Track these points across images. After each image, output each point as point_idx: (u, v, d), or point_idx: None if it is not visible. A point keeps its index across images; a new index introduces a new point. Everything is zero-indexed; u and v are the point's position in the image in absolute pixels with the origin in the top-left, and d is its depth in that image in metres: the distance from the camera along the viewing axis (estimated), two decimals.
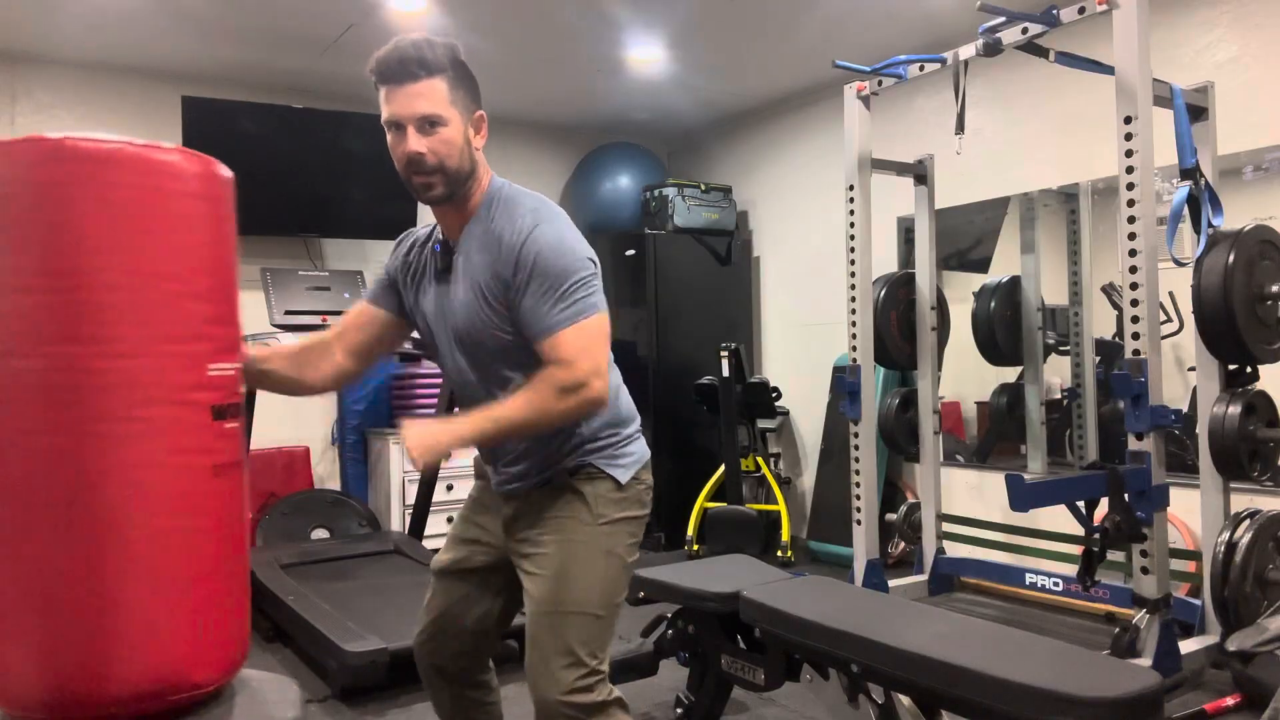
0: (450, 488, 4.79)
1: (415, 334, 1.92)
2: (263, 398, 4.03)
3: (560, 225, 1.70)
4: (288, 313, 4.16)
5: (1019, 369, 4.44)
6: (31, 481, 1.45)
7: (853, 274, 3.96)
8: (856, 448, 3.95)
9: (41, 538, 1.45)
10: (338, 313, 4.24)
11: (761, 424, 5.31)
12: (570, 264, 1.66)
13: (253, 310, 4.33)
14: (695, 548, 5.03)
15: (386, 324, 1.89)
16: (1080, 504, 2.94)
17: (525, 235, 1.66)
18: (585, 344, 1.64)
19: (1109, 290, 4.08)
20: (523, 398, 1.63)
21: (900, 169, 4.23)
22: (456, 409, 1.84)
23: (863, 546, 3.91)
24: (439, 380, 4.88)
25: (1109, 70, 3.05)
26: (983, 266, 4.61)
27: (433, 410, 5.00)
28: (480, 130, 1.75)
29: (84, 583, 1.45)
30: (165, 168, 1.53)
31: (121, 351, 1.46)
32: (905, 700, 2.04)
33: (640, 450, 1.84)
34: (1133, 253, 2.94)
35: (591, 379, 1.62)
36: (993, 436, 4.59)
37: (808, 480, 5.42)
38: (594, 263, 1.72)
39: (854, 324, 3.97)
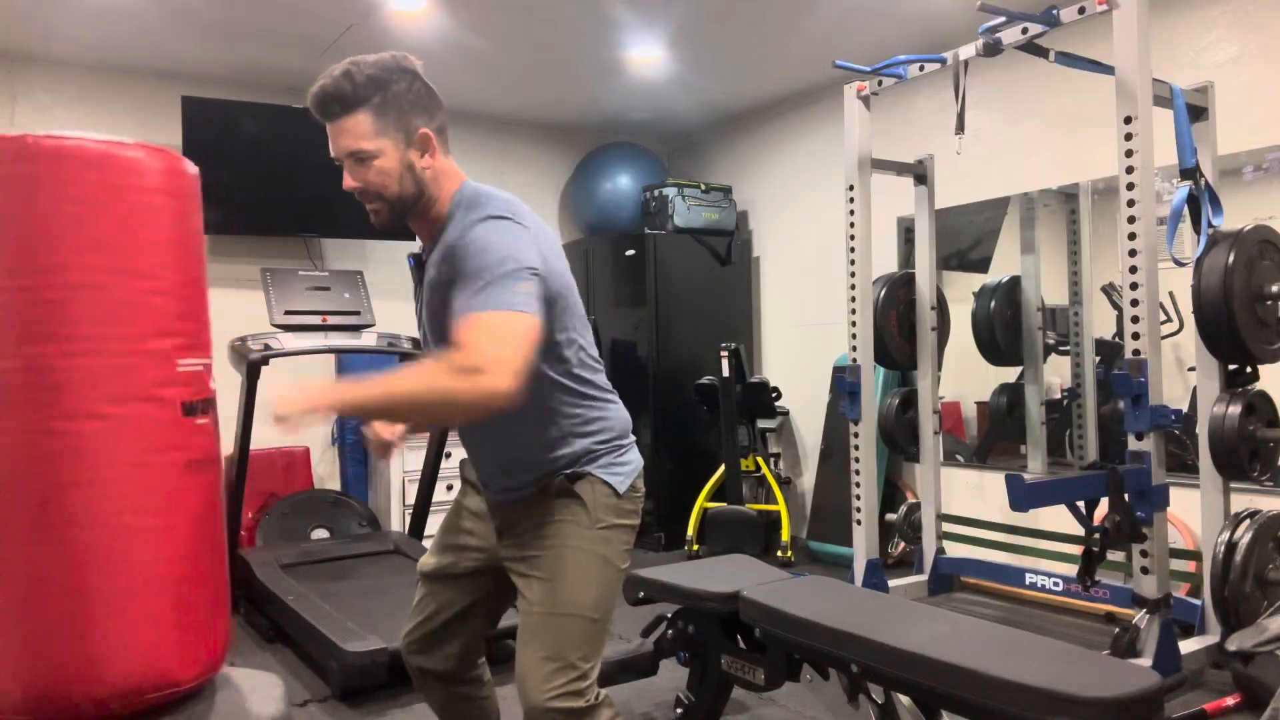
0: (450, 488, 4.79)
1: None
2: (261, 397, 4.04)
3: (508, 224, 1.62)
4: (288, 313, 4.15)
5: (1019, 369, 4.44)
6: (4, 483, 1.45)
7: (853, 274, 3.96)
8: (856, 448, 3.95)
9: (16, 538, 1.44)
10: (337, 312, 4.25)
11: (761, 424, 5.31)
12: (502, 257, 1.56)
13: (253, 310, 4.36)
14: (695, 548, 5.03)
15: None
16: (1080, 504, 2.94)
17: (469, 231, 1.61)
18: (491, 332, 1.51)
19: (1109, 290, 4.08)
20: (415, 374, 1.54)
21: (900, 169, 4.23)
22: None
23: (863, 546, 3.91)
24: None
25: (1109, 70, 3.05)
26: (983, 266, 4.61)
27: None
28: (428, 148, 1.67)
29: (59, 583, 1.44)
30: (128, 164, 1.52)
31: (89, 349, 1.46)
32: (905, 700, 2.04)
33: (636, 460, 1.85)
34: (1133, 253, 2.94)
35: (490, 366, 1.47)
36: (993, 436, 4.59)
37: (808, 480, 5.42)
38: (533, 270, 1.59)
39: (854, 324, 3.97)
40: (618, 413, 1.85)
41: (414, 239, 1.84)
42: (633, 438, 1.88)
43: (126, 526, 1.49)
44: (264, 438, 4.60)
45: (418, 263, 1.79)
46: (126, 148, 1.53)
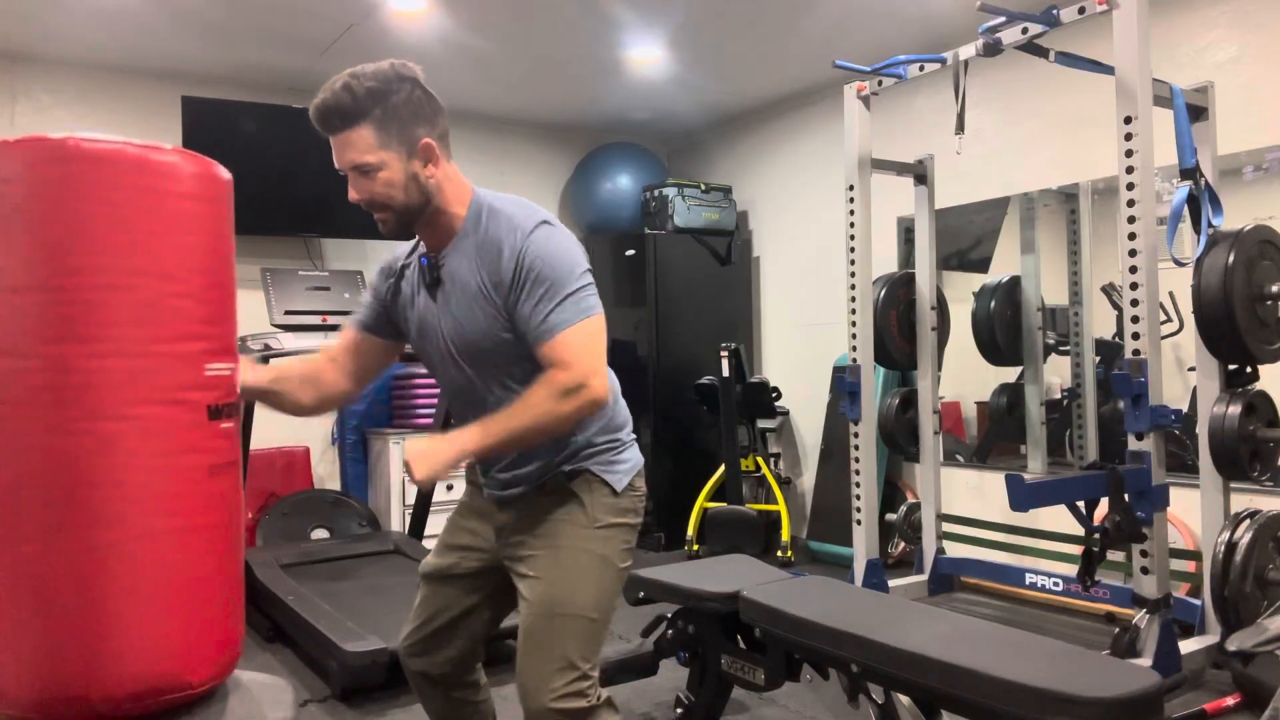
0: (450, 488, 4.79)
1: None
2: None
3: (559, 231, 1.70)
4: (288, 313, 4.16)
5: (1019, 369, 4.44)
6: (26, 481, 1.45)
7: (853, 274, 3.96)
8: (856, 448, 3.95)
9: (36, 538, 1.44)
10: (337, 312, 4.25)
11: (761, 424, 5.31)
12: (570, 268, 1.66)
13: (253, 310, 4.35)
14: (695, 548, 5.03)
15: (379, 348, 1.91)
16: (1080, 504, 2.94)
17: (526, 239, 1.65)
18: (584, 344, 1.63)
19: (1109, 290, 4.09)
20: (524, 404, 1.62)
21: (900, 169, 4.23)
22: (453, 421, 1.84)
23: (863, 546, 3.91)
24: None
25: (1109, 70, 3.05)
26: (983, 266, 4.61)
27: (430, 418, 5.00)
28: (431, 158, 1.69)
29: (78, 583, 1.44)
30: (164, 169, 1.53)
31: (116, 351, 1.46)
32: (905, 700, 2.04)
33: (635, 457, 1.85)
34: (1133, 253, 2.94)
35: (591, 379, 1.61)
36: (993, 436, 4.59)
37: (808, 480, 5.42)
38: (589, 270, 1.72)
39: (854, 324, 3.97)
40: (617, 409, 1.85)
41: (410, 239, 1.83)
42: (633, 435, 1.87)
43: (148, 528, 1.49)
44: (264, 438, 4.61)
45: (431, 265, 1.78)
46: (163, 152, 1.54)
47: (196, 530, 1.54)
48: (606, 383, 1.65)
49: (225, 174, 1.66)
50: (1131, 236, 2.94)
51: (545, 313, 1.63)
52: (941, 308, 4.37)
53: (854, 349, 3.97)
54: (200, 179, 1.58)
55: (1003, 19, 3.20)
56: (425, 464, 1.59)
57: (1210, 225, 3.10)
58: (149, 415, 1.48)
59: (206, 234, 1.59)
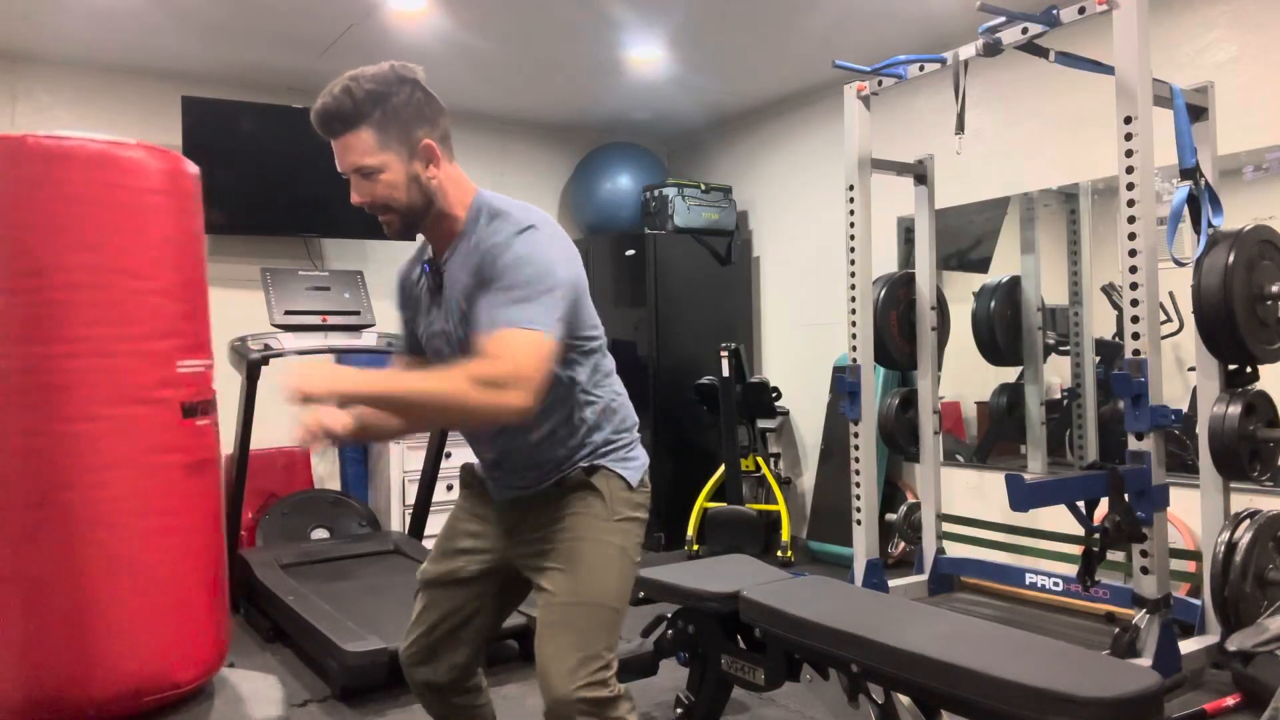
0: (450, 488, 4.79)
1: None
2: (261, 397, 4.04)
3: (546, 237, 1.64)
4: (288, 313, 4.15)
5: (1019, 369, 4.44)
6: (3, 483, 1.44)
7: (853, 274, 3.96)
8: (856, 448, 3.95)
9: (15, 539, 1.44)
10: (337, 312, 4.25)
11: (761, 424, 5.31)
12: (538, 274, 1.58)
13: (253, 310, 4.36)
14: (695, 548, 5.03)
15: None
16: (1080, 504, 2.94)
17: (508, 240, 1.62)
18: (520, 348, 1.53)
19: (1109, 290, 4.08)
20: (438, 376, 1.54)
21: (900, 169, 4.23)
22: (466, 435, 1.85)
23: (863, 546, 3.91)
24: None
25: (1109, 70, 3.06)
26: (983, 266, 4.61)
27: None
28: (432, 159, 1.68)
29: (58, 583, 1.44)
30: (128, 165, 1.52)
31: (87, 350, 1.45)
32: (905, 700, 2.04)
33: (644, 456, 1.87)
34: (1133, 253, 2.94)
35: (515, 383, 1.50)
36: (993, 436, 4.59)
37: (808, 480, 5.42)
38: (569, 285, 1.63)
39: (854, 324, 3.97)
40: (628, 408, 1.87)
41: (415, 240, 1.83)
42: (639, 434, 1.89)
43: (125, 528, 1.49)
44: (264, 438, 4.61)
45: (433, 269, 1.78)
46: (127, 148, 1.54)
47: (175, 529, 1.54)
48: (533, 396, 1.51)
49: (192, 168, 1.66)
50: (1131, 236, 2.94)
51: (493, 306, 1.57)
52: (941, 308, 4.37)
53: (854, 349, 3.97)
54: (166, 174, 1.58)
55: (1003, 19, 3.21)
56: (314, 382, 1.47)
57: (1210, 225, 3.10)
58: (123, 414, 1.47)
59: (175, 230, 1.58)
